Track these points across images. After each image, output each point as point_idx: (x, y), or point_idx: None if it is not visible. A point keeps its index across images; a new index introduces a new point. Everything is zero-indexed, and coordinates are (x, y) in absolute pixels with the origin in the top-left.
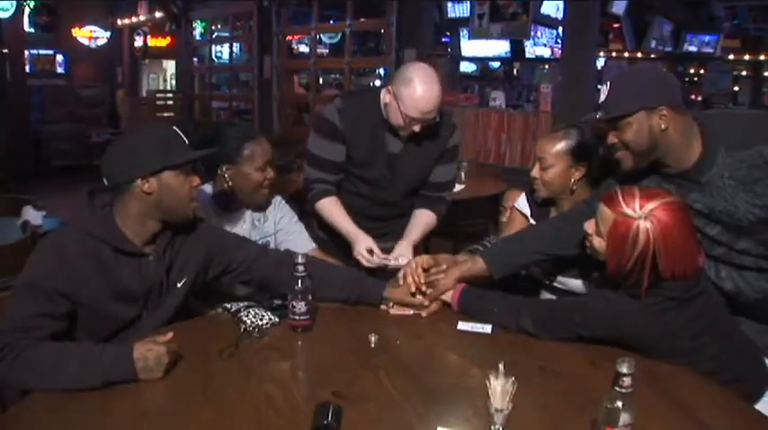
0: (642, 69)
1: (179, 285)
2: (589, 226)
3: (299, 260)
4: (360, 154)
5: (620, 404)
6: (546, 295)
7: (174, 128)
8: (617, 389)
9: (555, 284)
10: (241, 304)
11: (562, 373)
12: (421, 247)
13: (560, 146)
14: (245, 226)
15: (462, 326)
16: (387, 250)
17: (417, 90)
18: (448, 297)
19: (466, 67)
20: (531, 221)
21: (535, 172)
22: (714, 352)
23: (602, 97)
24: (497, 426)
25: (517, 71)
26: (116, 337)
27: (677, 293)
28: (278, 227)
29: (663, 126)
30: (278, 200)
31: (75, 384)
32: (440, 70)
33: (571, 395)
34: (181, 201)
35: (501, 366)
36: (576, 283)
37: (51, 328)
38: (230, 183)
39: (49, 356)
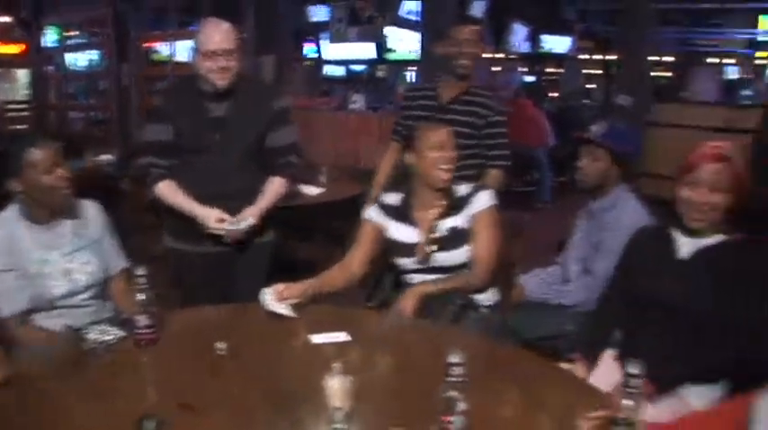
0: None
1: None
2: (704, 194)
3: (140, 272)
4: (184, 123)
5: (454, 393)
6: None
7: None
8: (450, 379)
9: None
10: (86, 321)
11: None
12: None
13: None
14: (67, 234)
15: (317, 339)
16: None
17: (204, 28)
18: None
19: (333, 71)
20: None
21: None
22: None
23: None
24: (339, 425)
25: (384, 73)
26: None
27: None
28: (100, 233)
29: None
30: (96, 206)
31: None
32: (299, 74)
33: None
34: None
35: (337, 365)
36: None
37: None
38: (23, 195)
39: None
